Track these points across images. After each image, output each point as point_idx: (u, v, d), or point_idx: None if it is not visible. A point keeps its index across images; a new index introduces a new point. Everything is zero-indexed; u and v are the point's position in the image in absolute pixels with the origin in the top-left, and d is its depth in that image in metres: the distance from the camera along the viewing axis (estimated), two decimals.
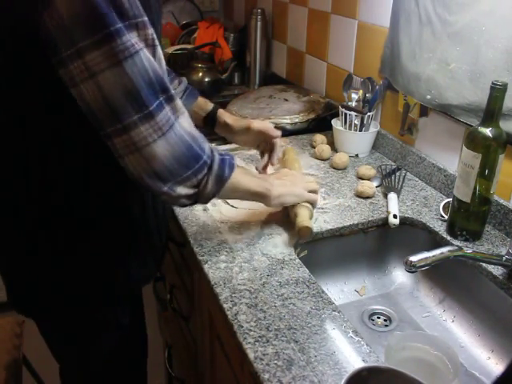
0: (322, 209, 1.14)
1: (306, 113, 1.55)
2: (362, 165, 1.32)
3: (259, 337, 0.78)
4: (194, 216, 1.10)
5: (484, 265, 0.96)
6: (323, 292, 0.88)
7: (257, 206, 1.06)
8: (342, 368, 0.73)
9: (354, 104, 1.40)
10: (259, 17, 1.98)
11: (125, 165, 0.77)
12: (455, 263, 1.00)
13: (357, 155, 1.41)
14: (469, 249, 0.96)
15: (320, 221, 1.09)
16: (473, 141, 0.97)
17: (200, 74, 1.93)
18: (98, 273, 0.93)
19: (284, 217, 1.08)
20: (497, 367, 0.94)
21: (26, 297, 0.95)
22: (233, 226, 1.06)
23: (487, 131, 0.95)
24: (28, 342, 1.38)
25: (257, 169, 1.19)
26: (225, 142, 1.27)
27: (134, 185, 0.80)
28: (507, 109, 0.98)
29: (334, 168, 1.34)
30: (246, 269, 0.93)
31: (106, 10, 0.68)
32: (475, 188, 0.98)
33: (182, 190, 0.81)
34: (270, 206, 1.01)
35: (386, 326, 1.05)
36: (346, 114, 1.39)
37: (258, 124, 1.17)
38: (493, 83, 0.91)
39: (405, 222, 1.12)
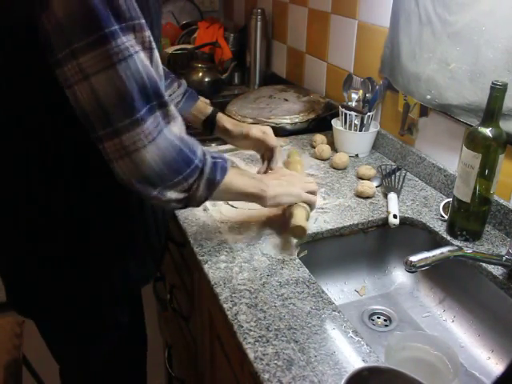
0: (322, 209, 1.14)
1: (306, 113, 1.55)
2: (361, 165, 1.32)
3: (259, 337, 0.78)
4: (193, 216, 1.10)
5: (484, 265, 0.96)
6: (323, 292, 0.88)
7: (257, 206, 1.05)
8: (342, 368, 0.73)
9: (354, 104, 1.40)
10: (259, 17, 1.98)
11: (114, 169, 0.76)
12: (455, 263, 1.00)
13: (357, 155, 1.41)
14: (469, 249, 0.96)
15: (320, 221, 1.09)
16: (473, 141, 0.97)
17: (200, 74, 1.93)
18: (97, 273, 0.93)
19: (284, 217, 1.07)
20: (497, 367, 0.94)
21: (26, 297, 0.95)
22: (233, 225, 1.06)
23: (487, 131, 0.95)
24: (28, 342, 1.38)
25: (258, 172, 1.18)
26: (225, 142, 1.27)
27: None
28: (507, 109, 0.98)
29: (334, 168, 1.34)
30: (245, 269, 0.93)
31: (102, 11, 0.67)
32: (475, 188, 0.98)
33: (173, 195, 0.81)
34: (265, 206, 0.99)
35: (386, 325, 1.05)
36: (345, 114, 1.39)
37: (256, 132, 1.15)
38: (493, 83, 0.91)
39: (405, 222, 1.12)
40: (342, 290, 1.14)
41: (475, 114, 1.07)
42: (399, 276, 1.17)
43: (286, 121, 1.52)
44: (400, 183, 1.23)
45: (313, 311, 0.83)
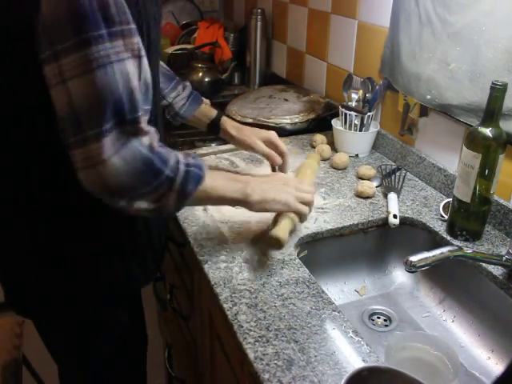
0: (322, 209, 1.14)
1: (306, 113, 1.55)
2: (362, 165, 1.32)
3: (259, 337, 0.78)
4: (193, 216, 1.10)
5: (484, 265, 0.96)
6: (323, 292, 0.88)
7: None
8: (342, 368, 0.73)
9: (354, 104, 1.40)
10: (259, 17, 1.98)
11: (80, 178, 0.74)
12: (455, 263, 1.00)
13: (357, 155, 1.41)
14: (469, 249, 0.96)
15: (320, 221, 1.09)
16: (473, 141, 0.97)
17: (200, 74, 1.93)
18: (97, 273, 0.93)
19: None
20: (497, 367, 0.94)
21: (25, 297, 0.95)
22: (233, 225, 1.06)
23: (487, 131, 0.95)
24: (28, 342, 1.38)
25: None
26: (225, 142, 1.27)
27: None
28: (507, 109, 0.98)
29: (334, 168, 1.34)
30: (245, 269, 0.93)
31: (89, 13, 0.66)
32: (475, 188, 0.98)
33: (142, 205, 0.79)
34: (253, 211, 0.94)
35: (386, 325, 1.05)
36: (345, 114, 1.39)
37: (261, 147, 1.13)
38: (493, 83, 0.91)
39: (405, 222, 1.12)
40: (341, 290, 1.14)
41: (475, 113, 1.07)
42: (399, 276, 1.17)
43: (286, 121, 1.52)
44: (400, 183, 1.23)
45: (313, 311, 0.83)
